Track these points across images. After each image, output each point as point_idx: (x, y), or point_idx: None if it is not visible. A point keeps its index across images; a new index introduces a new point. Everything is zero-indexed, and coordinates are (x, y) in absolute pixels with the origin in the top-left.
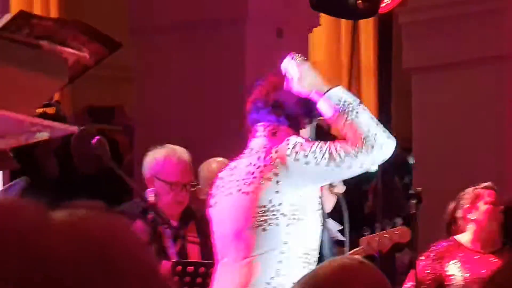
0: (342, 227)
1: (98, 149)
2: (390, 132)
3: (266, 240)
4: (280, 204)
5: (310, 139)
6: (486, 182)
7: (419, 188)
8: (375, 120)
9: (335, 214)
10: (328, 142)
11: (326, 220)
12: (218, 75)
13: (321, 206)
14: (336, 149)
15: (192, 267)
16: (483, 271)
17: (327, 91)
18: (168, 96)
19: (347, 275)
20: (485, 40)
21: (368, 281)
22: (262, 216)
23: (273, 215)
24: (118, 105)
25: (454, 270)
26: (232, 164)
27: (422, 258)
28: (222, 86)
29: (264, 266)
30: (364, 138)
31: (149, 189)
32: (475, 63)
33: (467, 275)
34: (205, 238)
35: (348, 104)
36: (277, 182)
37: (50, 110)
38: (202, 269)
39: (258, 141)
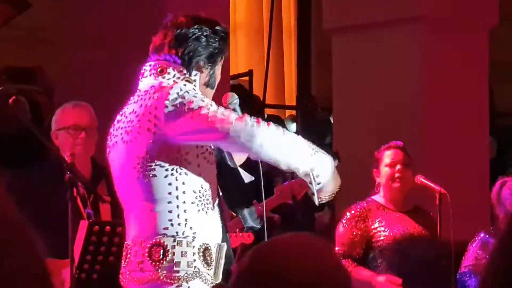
0: (254, 178)
1: (15, 109)
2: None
3: (149, 192)
4: (155, 155)
5: (230, 106)
6: (406, 141)
7: (337, 149)
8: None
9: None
10: (222, 108)
11: (235, 168)
12: (138, 36)
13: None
14: (223, 116)
15: (109, 227)
16: (408, 228)
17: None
18: (88, 57)
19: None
20: (403, 1)
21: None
22: (141, 167)
23: (149, 166)
24: (37, 66)
25: (380, 228)
26: (123, 110)
27: (344, 221)
28: (143, 46)
29: (157, 216)
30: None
31: None
32: (393, 24)
33: (395, 231)
34: (115, 196)
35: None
36: (152, 132)
37: None
38: (119, 229)
39: (145, 81)
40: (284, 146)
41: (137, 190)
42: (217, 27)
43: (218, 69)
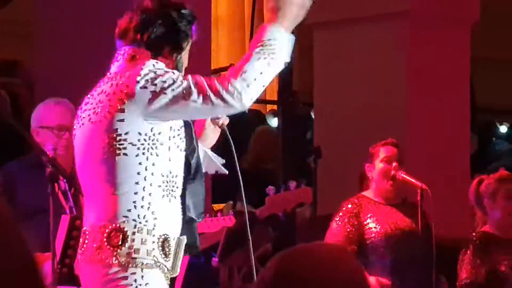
0: (224, 161)
1: None
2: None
3: (118, 172)
4: (127, 133)
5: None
6: (387, 136)
7: (318, 144)
8: (266, 77)
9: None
10: (193, 76)
11: (206, 150)
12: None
13: (182, 130)
14: (196, 84)
15: None
16: (398, 223)
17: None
18: (68, 51)
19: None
20: None
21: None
22: (110, 146)
23: (120, 144)
24: (18, 59)
25: (371, 224)
26: (92, 92)
27: (337, 218)
28: None
29: (120, 199)
30: (242, 74)
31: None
32: (375, 19)
33: (386, 226)
34: None
35: (270, 46)
36: (123, 110)
37: None
38: None
39: (117, 65)
40: (254, 84)
41: (100, 172)
42: (184, 11)
43: (185, 54)
